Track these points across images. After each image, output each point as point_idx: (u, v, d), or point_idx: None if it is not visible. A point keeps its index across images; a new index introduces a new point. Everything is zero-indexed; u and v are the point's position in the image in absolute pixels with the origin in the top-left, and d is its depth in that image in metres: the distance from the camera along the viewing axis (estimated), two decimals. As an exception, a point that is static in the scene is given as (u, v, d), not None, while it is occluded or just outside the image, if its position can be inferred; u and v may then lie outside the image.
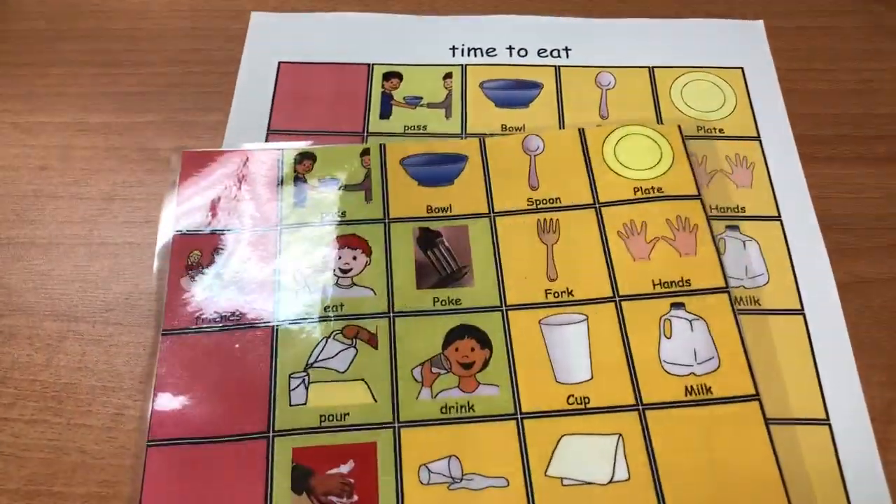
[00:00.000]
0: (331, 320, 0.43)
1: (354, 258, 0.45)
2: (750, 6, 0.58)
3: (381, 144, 0.49)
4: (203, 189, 0.47)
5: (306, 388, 0.41)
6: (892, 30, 0.57)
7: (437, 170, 0.48)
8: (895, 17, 0.58)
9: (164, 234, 0.46)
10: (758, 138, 0.51)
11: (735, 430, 0.39)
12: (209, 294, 0.43)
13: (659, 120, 0.51)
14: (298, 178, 0.48)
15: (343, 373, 0.41)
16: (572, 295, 0.43)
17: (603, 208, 0.46)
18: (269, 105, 0.52)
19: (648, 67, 0.54)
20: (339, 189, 0.47)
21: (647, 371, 0.41)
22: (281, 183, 0.47)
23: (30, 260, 0.47)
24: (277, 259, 0.45)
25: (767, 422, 0.39)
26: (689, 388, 0.40)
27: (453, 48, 0.55)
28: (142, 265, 0.46)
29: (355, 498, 0.38)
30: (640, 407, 0.40)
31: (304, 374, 0.41)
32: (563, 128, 0.51)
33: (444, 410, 0.40)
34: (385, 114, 0.52)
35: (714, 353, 0.41)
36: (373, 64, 0.54)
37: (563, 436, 0.39)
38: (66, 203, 0.49)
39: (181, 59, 0.55)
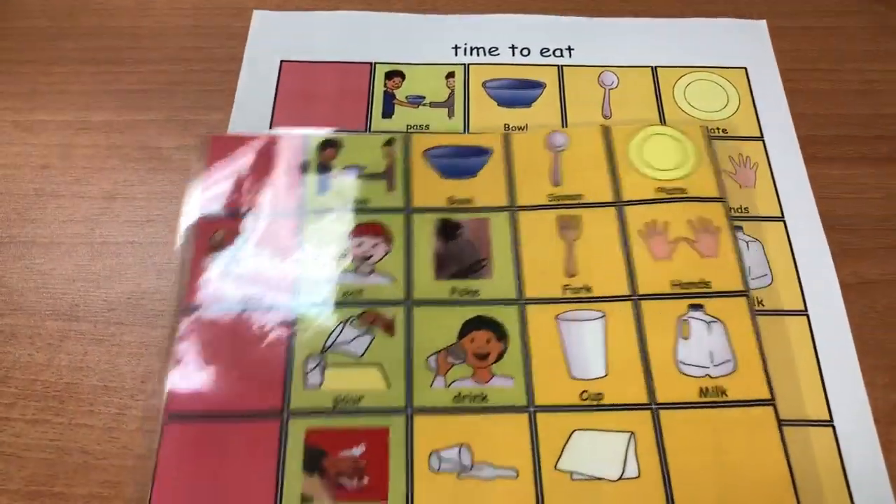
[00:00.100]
0: (349, 306, 0.43)
1: (375, 246, 0.45)
2: (754, 6, 0.58)
3: (405, 134, 0.49)
4: (229, 173, 0.47)
5: (322, 372, 0.41)
6: (896, 30, 0.57)
7: (461, 162, 0.48)
8: (899, 17, 0.58)
9: (190, 215, 0.46)
10: (761, 138, 0.51)
11: (748, 434, 0.39)
12: (230, 275, 0.44)
13: (662, 120, 0.51)
14: (322, 166, 0.48)
15: (359, 358, 0.42)
16: (590, 292, 0.44)
17: (625, 207, 0.46)
18: (271, 104, 0.52)
19: (651, 67, 0.54)
20: (362, 178, 0.48)
21: (662, 371, 0.41)
22: (305, 169, 0.48)
23: (31, 259, 0.46)
24: (299, 244, 0.45)
25: (782, 427, 0.39)
26: (704, 390, 0.40)
27: (456, 47, 0.55)
28: (144, 264, 0.46)
29: (366, 481, 0.38)
30: (654, 406, 0.40)
31: (321, 357, 0.42)
32: (567, 126, 0.51)
33: (457, 399, 0.40)
34: (387, 113, 0.52)
35: (730, 355, 0.41)
36: (375, 63, 0.54)
37: (574, 431, 0.39)
38: (67, 202, 0.49)
39: (183, 57, 0.55)
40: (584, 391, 0.41)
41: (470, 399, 0.40)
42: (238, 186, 0.47)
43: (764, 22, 0.57)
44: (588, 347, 0.42)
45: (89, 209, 0.48)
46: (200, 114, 0.52)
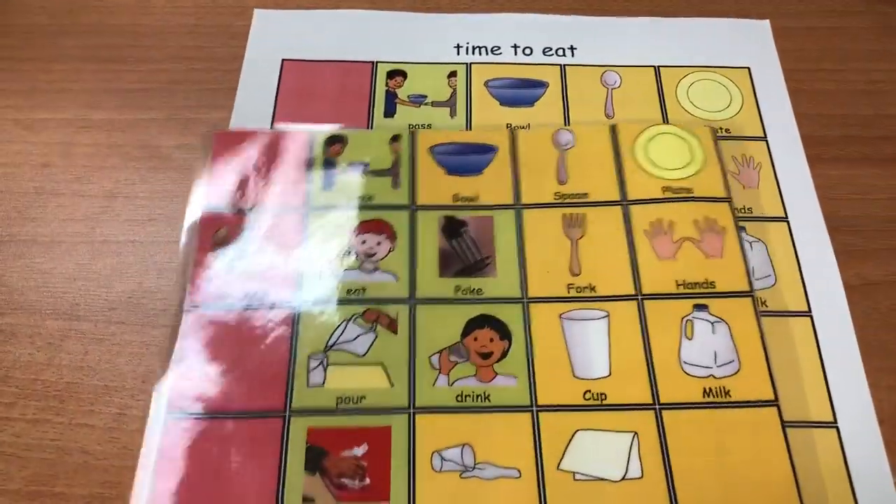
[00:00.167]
0: (352, 304, 0.43)
1: (379, 243, 0.45)
2: (757, 6, 0.58)
3: (411, 131, 0.49)
4: (233, 169, 0.47)
5: (324, 370, 0.41)
6: (899, 30, 0.57)
7: (466, 159, 0.48)
8: (903, 17, 0.58)
9: (193, 212, 0.46)
10: (764, 139, 0.51)
11: (752, 435, 0.39)
12: (233, 272, 0.44)
13: (665, 119, 0.51)
14: (328, 162, 0.48)
15: (362, 356, 0.41)
16: (594, 291, 0.43)
17: (631, 206, 0.46)
18: (273, 103, 0.52)
19: (654, 66, 0.54)
20: (367, 174, 0.47)
21: (665, 371, 0.41)
22: (310, 165, 0.48)
23: (31, 258, 0.46)
24: (303, 241, 0.45)
25: (785, 428, 0.39)
26: (708, 390, 0.40)
27: (458, 46, 0.55)
28: (144, 263, 0.46)
29: (367, 481, 0.38)
30: (657, 406, 0.40)
31: (324, 355, 0.41)
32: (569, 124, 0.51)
33: (459, 398, 0.40)
34: (389, 112, 0.51)
35: (735, 356, 0.41)
36: (377, 62, 0.54)
37: (577, 430, 0.39)
38: (68, 200, 0.48)
39: (184, 56, 0.55)
40: (587, 391, 0.41)
41: (473, 398, 0.40)
42: (242, 183, 0.47)
43: (767, 22, 0.57)
44: (592, 347, 0.42)
45: (90, 208, 0.48)
46: (201, 113, 0.52)
